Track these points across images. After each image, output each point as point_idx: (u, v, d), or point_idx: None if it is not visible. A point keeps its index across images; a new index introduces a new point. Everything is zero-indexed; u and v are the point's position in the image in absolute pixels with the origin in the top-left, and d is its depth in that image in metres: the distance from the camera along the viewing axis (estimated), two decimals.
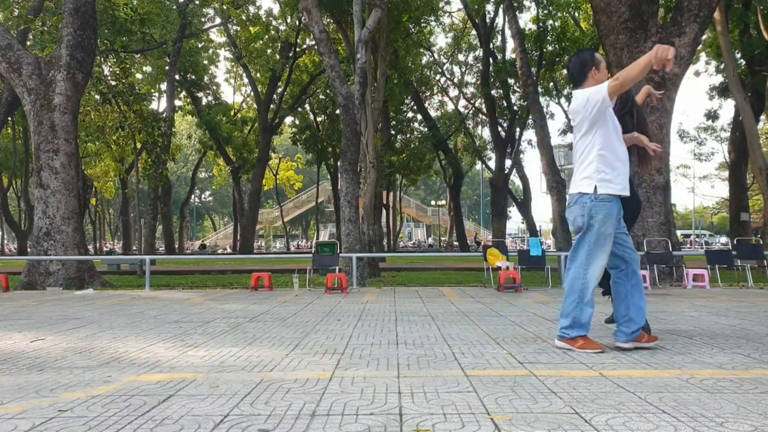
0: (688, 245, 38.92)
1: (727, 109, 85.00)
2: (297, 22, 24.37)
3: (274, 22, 25.77)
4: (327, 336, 4.37)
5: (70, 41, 11.49)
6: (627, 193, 3.66)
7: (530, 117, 18.39)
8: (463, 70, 32.40)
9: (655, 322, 4.90)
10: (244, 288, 10.51)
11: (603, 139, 3.60)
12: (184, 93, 29.65)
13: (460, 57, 31.52)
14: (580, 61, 3.77)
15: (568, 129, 26.32)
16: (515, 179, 35.81)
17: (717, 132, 33.04)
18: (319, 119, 29.40)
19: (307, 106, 30.42)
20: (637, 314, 3.65)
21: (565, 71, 25.08)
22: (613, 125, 3.66)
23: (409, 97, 25.48)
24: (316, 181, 43.13)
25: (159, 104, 33.62)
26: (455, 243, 39.67)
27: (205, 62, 29.55)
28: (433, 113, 30.72)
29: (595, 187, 3.56)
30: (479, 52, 27.51)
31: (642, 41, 9.85)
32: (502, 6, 21.19)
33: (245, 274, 15.68)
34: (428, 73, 28.59)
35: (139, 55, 23.48)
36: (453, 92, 33.30)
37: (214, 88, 31.06)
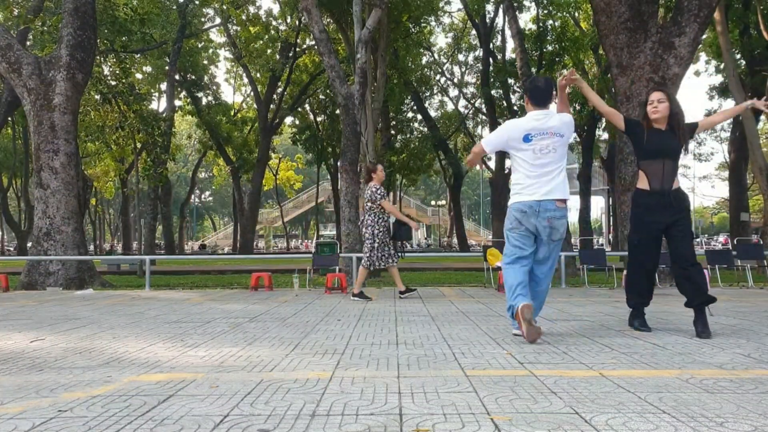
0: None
1: None
2: (297, 22, 24.38)
3: (274, 22, 25.78)
4: (327, 336, 4.37)
5: (70, 41, 11.49)
6: None
7: None
8: (463, 70, 32.46)
9: (655, 322, 4.90)
10: (244, 288, 10.50)
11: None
12: (184, 93, 29.65)
13: (460, 57, 31.56)
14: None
15: None
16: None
17: (717, 132, 33.06)
18: (319, 119, 29.40)
19: (307, 106, 30.43)
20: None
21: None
22: None
23: (409, 97, 25.48)
24: (316, 181, 43.13)
25: (159, 104, 33.65)
26: (454, 245, 39.65)
27: (205, 62, 29.56)
28: (433, 113, 30.73)
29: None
30: (479, 52, 27.51)
31: (642, 41, 9.85)
32: (502, 6, 21.21)
33: (245, 274, 15.67)
34: (428, 73, 28.59)
35: (139, 55, 23.48)
36: (453, 92, 33.34)
37: (214, 88, 31.08)
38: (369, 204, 7.32)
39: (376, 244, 7.29)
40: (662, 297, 7.38)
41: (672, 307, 6.19)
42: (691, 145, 34.62)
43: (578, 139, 24.52)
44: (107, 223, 56.63)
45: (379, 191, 7.30)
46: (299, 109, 29.99)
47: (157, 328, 4.89)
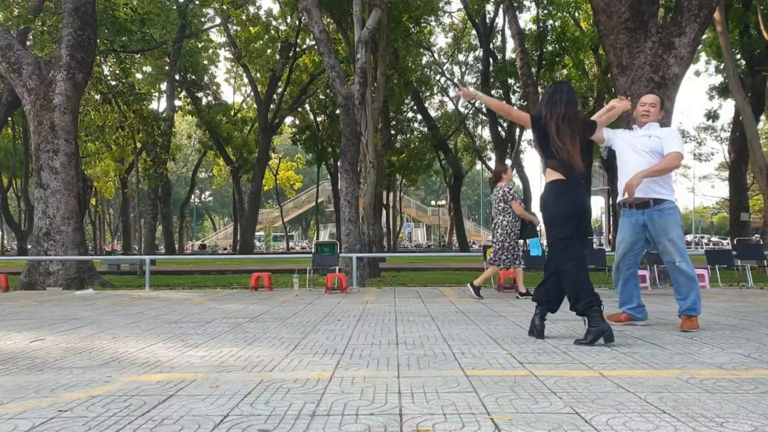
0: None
1: (727, 109, 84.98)
2: (297, 22, 24.38)
3: (274, 22, 25.80)
4: (327, 336, 4.37)
5: (70, 41, 11.49)
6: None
7: None
8: (463, 70, 32.44)
9: (654, 321, 4.91)
10: (244, 288, 10.51)
11: None
12: (184, 93, 29.65)
13: (460, 57, 31.56)
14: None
15: None
16: (515, 179, 35.83)
17: (717, 132, 33.08)
18: (319, 119, 29.40)
19: (307, 106, 30.43)
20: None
21: (565, 71, 25.11)
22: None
23: (409, 97, 25.48)
24: (316, 181, 43.14)
25: (159, 104, 33.65)
26: (455, 245, 39.68)
27: (205, 62, 29.57)
28: (433, 113, 30.74)
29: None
30: (479, 52, 27.53)
31: (642, 41, 9.84)
32: (502, 6, 21.20)
33: (245, 274, 15.67)
34: (428, 73, 28.59)
35: (139, 55, 23.49)
36: (453, 92, 33.31)
37: (214, 88, 31.10)
38: (502, 204, 7.37)
39: (507, 244, 7.34)
40: (661, 297, 7.38)
41: (672, 307, 6.19)
42: (692, 145, 34.52)
43: None
44: (107, 223, 56.63)
45: (511, 192, 7.36)
46: (299, 109, 29.99)
47: (157, 328, 4.89)
